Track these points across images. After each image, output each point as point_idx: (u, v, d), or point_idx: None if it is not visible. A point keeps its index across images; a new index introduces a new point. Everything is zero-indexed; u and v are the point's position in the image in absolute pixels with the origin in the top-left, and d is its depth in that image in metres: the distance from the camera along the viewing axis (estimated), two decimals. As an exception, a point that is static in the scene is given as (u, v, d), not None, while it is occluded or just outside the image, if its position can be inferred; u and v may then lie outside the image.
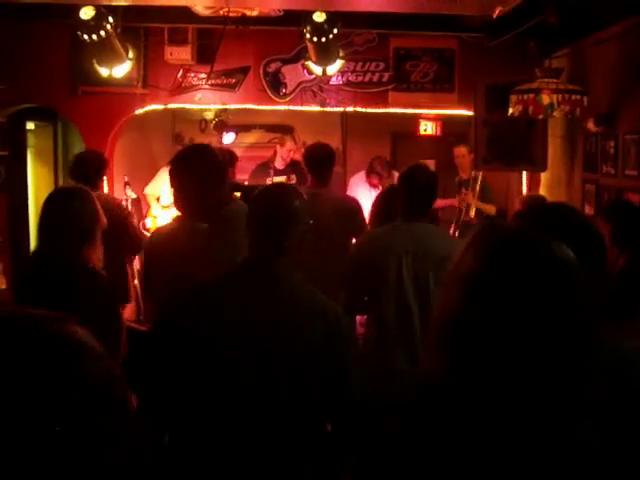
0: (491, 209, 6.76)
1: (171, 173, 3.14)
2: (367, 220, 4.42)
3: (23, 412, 0.83)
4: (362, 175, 7.29)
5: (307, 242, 4.38)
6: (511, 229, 1.30)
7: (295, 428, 2.04)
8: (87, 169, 5.10)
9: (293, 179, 6.65)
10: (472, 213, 6.59)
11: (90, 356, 0.93)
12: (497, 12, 4.89)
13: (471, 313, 1.16)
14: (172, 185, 3.14)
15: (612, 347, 1.56)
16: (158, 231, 3.67)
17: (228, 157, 5.33)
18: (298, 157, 7.61)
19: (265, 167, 6.97)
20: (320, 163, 4.61)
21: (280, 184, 2.39)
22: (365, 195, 6.68)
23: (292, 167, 6.95)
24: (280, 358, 2.02)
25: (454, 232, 6.36)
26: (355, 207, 4.63)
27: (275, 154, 7.16)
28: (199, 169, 3.09)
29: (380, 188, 7.01)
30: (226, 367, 2.02)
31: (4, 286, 6.21)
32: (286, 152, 6.88)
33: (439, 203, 4.38)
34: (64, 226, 2.87)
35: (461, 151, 6.97)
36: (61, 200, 2.98)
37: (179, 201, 3.15)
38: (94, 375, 0.91)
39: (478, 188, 6.66)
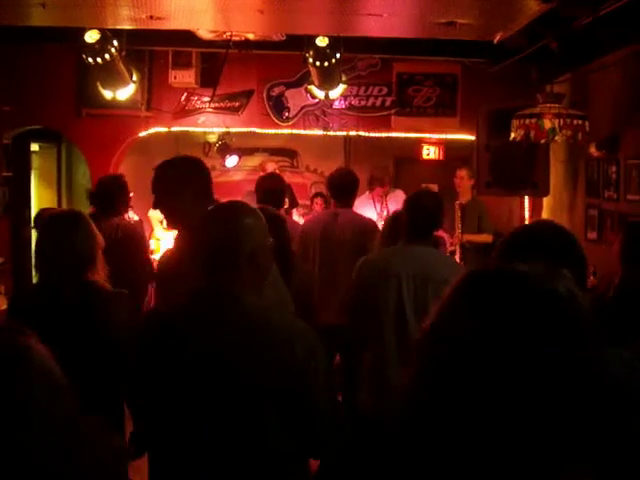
0: (487, 238, 6.38)
1: (158, 177, 2.87)
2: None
3: None
4: (365, 195, 7.20)
5: (324, 257, 4.69)
6: (494, 266, 1.18)
7: (260, 457, 1.97)
8: (102, 195, 5.04)
9: (286, 203, 6.59)
10: (457, 250, 6.20)
11: (34, 367, 0.99)
12: (498, 37, 4.91)
13: (444, 351, 1.08)
14: (154, 190, 2.85)
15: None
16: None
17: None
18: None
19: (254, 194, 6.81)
20: (342, 190, 4.97)
21: (229, 204, 2.23)
22: (371, 212, 6.67)
23: None
24: (241, 388, 1.95)
25: None
26: (372, 226, 4.95)
27: None
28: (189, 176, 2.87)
29: (384, 199, 6.94)
30: (188, 398, 1.97)
31: (4, 307, 6.20)
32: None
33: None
34: (63, 257, 2.81)
35: (461, 173, 6.77)
36: (57, 230, 2.88)
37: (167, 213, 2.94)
38: (34, 385, 0.99)
39: (458, 222, 6.35)
